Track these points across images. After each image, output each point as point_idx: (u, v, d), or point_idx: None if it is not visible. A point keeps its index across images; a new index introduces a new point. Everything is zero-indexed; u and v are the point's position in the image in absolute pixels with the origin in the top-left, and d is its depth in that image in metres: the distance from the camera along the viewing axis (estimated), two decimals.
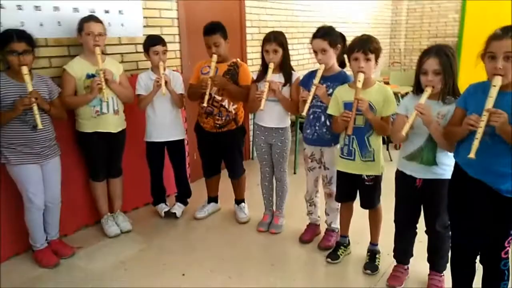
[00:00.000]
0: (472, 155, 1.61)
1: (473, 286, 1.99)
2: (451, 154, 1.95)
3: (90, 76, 2.62)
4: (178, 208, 3.16)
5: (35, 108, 2.21)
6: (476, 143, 1.61)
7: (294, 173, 4.02)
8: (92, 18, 2.60)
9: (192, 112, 3.35)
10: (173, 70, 3.09)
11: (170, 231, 2.99)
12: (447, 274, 2.16)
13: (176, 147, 3.07)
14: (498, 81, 1.62)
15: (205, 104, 2.75)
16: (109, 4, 2.90)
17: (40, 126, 2.23)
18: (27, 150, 2.34)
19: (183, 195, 3.23)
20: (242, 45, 4.19)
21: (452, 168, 1.94)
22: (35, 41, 2.31)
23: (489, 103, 1.61)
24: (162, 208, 3.16)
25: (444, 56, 1.92)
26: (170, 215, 3.12)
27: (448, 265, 2.12)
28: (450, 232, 2.02)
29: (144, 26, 3.18)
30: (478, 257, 1.92)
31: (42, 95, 2.32)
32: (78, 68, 2.62)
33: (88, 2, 2.78)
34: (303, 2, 5.02)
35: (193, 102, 2.99)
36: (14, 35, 2.22)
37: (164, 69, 2.80)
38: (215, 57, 2.72)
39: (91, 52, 2.59)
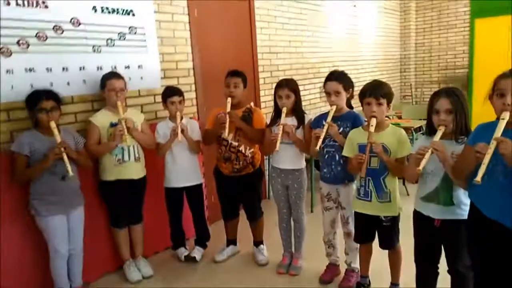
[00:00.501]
0: (478, 178, 1.62)
1: None
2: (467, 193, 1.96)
3: (113, 125, 2.77)
4: (197, 252, 3.20)
5: (65, 157, 2.35)
6: (483, 168, 1.62)
7: (311, 211, 4.04)
8: (114, 75, 2.79)
9: (209, 157, 3.47)
10: (190, 118, 3.24)
11: (191, 275, 3.02)
12: None
13: (194, 191, 3.15)
14: (506, 115, 1.65)
15: (226, 135, 2.85)
16: (129, 60, 3.10)
17: (71, 173, 2.36)
18: (55, 201, 2.47)
19: (202, 239, 3.27)
20: (256, 89, 4.35)
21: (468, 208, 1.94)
22: (61, 98, 2.49)
23: (497, 133, 1.63)
24: (182, 252, 3.21)
25: (454, 96, 1.98)
26: (190, 259, 3.15)
27: None
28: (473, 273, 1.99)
29: (162, 78, 3.37)
30: None
31: (69, 146, 2.46)
32: (102, 118, 2.78)
33: (110, 60, 2.98)
34: (313, 44, 5.21)
35: (209, 146, 3.11)
36: (43, 95, 2.40)
37: (182, 118, 2.94)
38: (229, 99, 2.85)
39: (113, 105, 2.76)
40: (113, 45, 2.99)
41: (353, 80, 2.65)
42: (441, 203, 2.05)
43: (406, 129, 3.52)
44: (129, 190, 2.89)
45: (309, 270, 2.93)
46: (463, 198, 2.01)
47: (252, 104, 3.27)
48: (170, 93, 2.97)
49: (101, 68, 2.92)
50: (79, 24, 2.78)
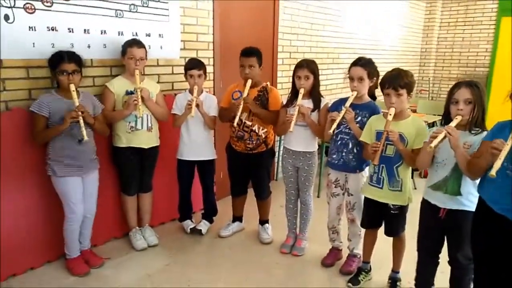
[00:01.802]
0: (493, 172, 1.61)
1: None
2: (475, 185, 1.97)
3: (129, 93, 2.78)
4: (203, 226, 3.24)
5: (81, 121, 2.37)
6: (498, 163, 1.61)
7: (318, 196, 4.05)
8: (135, 43, 2.78)
9: (221, 133, 3.47)
10: (206, 92, 3.23)
11: (195, 248, 3.07)
12: None
13: (206, 166, 3.17)
14: None
15: (235, 125, 2.86)
16: (150, 28, 3.09)
17: (86, 138, 2.38)
18: (72, 163, 2.50)
19: (210, 213, 3.31)
20: (273, 69, 4.32)
21: (477, 200, 1.95)
22: (83, 62, 2.50)
23: None
24: (188, 224, 3.26)
25: (475, 87, 1.98)
26: (195, 231, 3.20)
27: None
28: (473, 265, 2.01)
29: (181, 49, 3.35)
30: None
31: (87, 111, 2.48)
32: (118, 85, 2.79)
33: (132, 26, 2.96)
34: (333, 29, 5.14)
35: (224, 123, 3.11)
36: (66, 56, 2.41)
37: (201, 92, 2.95)
38: (249, 81, 2.83)
39: (131, 73, 2.76)
40: (136, 11, 2.97)
41: None
42: (448, 192, 2.06)
43: (428, 124, 3.48)
44: (140, 158, 2.92)
45: (312, 253, 2.97)
46: (472, 189, 2.02)
47: (268, 83, 3.25)
48: (190, 65, 2.96)
49: (122, 34, 2.91)
50: None
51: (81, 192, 2.58)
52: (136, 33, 2.99)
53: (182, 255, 2.94)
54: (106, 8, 2.80)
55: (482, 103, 1.99)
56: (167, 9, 3.18)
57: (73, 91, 2.37)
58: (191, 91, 2.94)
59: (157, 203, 3.20)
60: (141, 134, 2.86)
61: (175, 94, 3.15)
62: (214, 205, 3.32)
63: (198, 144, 3.06)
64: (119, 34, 2.89)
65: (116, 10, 2.86)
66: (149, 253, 2.97)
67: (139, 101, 2.70)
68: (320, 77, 2.85)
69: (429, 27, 7.56)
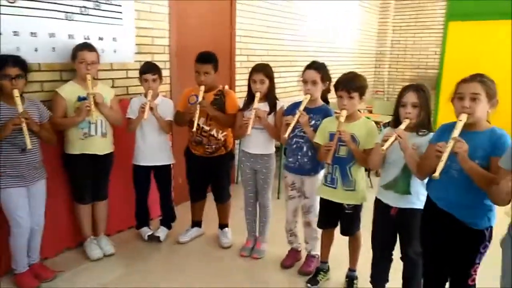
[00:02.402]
0: (436, 174, 1.71)
1: None
2: (425, 185, 2.07)
3: (81, 99, 2.68)
4: (161, 232, 3.19)
5: (25, 128, 2.25)
6: (441, 164, 1.71)
7: (278, 198, 4.09)
8: (86, 47, 2.69)
9: (178, 137, 3.43)
10: (163, 96, 3.18)
11: (153, 255, 3.01)
12: None
13: (162, 171, 3.12)
14: (464, 117, 1.77)
15: (194, 129, 2.84)
16: (103, 31, 3.00)
17: (29, 146, 2.26)
18: (15, 173, 2.37)
19: (168, 219, 3.26)
20: (231, 72, 4.33)
21: (425, 198, 2.05)
22: (28, 66, 2.39)
23: (455, 133, 1.75)
24: (146, 231, 3.19)
25: (421, 91, 2.09)
26: (153, 238, 3.14)
27: None
28: None
29: (136, 53, 3.28)
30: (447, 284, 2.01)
31: (33, 118, 2.37)
32: (70, 91, 2.69)
33: (83, 29, 2.87)
34: (290, 32, 5.22)
35: (181, 127, 3.07)
36: (9, 60, 2.29)
37: (156, 96, 2.92)
38: (203, 87, 2.82)
39: (83, 78, 2.67)
40: (88, 14, 2.88)
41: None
42: (399, 191, 2.15)
43: (375, 123, 3.59)
44: (94, 165, 2.82)
45: (272, 255, 2.99)
46: (420, 188, 2.11)
47: (226, 86, 3.25)
48: (144, 69, 2.92)
49: (73, 37, 2.81)
50: None
51: (27, 204, 2.45)
52: (88, 36, 2.90)
53: (140, 264, 2.87)
54: (55, 11, 2.69)
55: (428, 106, 2.10)
56: (121, 12, 3.11)
57: (17, 96, 2.26)
58: (146, 95, 2.89)
59: (113, 210, 3.11)
60: (95, 141, 2.77)
61: (131, 99, 3.08)
62: (172, 211, 3.27)
63: (154, 149, 3.01)
64: (69, 38, 2.79)
65: (66, 12, 2.76)
66: (105, 263, 2.88)
67: (91, 107, 2.61)
68: (278, 80, 2.89)
69: (383, 30, 7.85)
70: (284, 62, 5.15)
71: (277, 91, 2.89)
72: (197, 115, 2.79)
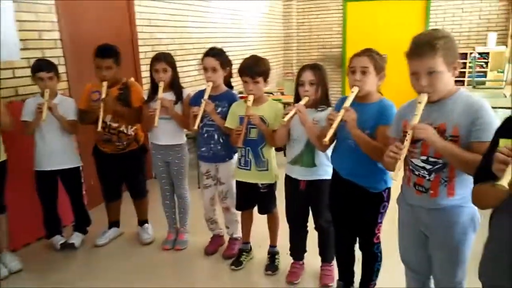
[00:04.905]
0: (326, 139, 1.84)
1: (355, 269, 2.27)
2: (328, 157, 2.19)
3: None
4: (76, 238, 3.00)
5: None
6: (331, 131, 1.85)
7: (199, 187, 4.06)
8: None
9: (85, 137, 3.22)
10: (61, 94, 2.96)
11: (68, 264, 2.83)
12: (336, 263, 2.37)
13: (70, 175, 2.93)
14: (355, 89, 1.90)
15: (99, 129, 2.69)
16: None
17: None
18: None
19: (81, 224, 3.08)
20: (136, 63, 4.15)
21: (331, 170, 2.18)
22: None
23: (347, 103, 1.87)
24: (58, 240, 2.98)
25: (317, 69, 2.18)
26: (67, 246, 2.95)
27: None
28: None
29: (22, 49, 2.99)
30: (357, 245, 2.18)
31: None
32: None
33: None
34: (196, 19, 5.14)
35: (86, 126, 2.89)
36: None
37: (55, 95, 2.73)
38: (105, 83, 2.67)
39: None
40: None
41: (238, 57, 2.68)
42: (304, 165, 2.26)
43: (287, 104, 3.71)
44: None
45: (195, 244, 2.98)
46: (324, 160, 2.24)
47: (132, 78, 3.11)
48: (37, 67, 2.69)
49: None
50: None
51: None
52: None
53: (53, 275, 2.68)
54: None
55: (325, 83, 2.21)
56: None
57: None
58: (42, 95, 2.67)
59: (17, 223, 2.84)
60: None
61: (23, 100, 2.81)
62: (85, 215, 3.09)
63: (57, 152, 2.80)
64: None
65: None
66: (13, 280, 2.63)
67: None
68: (188, 68, 2.84)
69: (288, 13, 8.07)
70: (192, 50, 5.06)
71: (187, 79, 2.88)
72: (101, 113, 2.65)
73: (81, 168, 3.02)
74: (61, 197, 2.98)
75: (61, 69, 3.29)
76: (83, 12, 3.51)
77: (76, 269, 2.77)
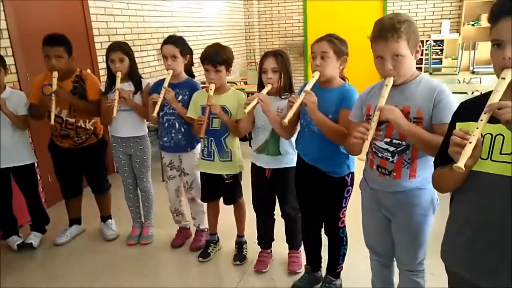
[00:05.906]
0: (285, 120, 1.85)
1: (322, 254, 2.30)
2: (293, 145, 2.20)
3: None
4: (34, 238, 2.87)
5: None
6: (290, 113, 1.85)
7: (163, 180, 3.98)
8: None
9: (39, 132, 3.07)
10: (10, 87, 2.78)
11: (26, 264, 2.70)
12: (303, 250, 2.41)
13: (24, 172, 2.77)
14: (316, 74, 1.89)
15: (52, 123, 2.57)
16: None
17: None
18: None
19: (39, 223, 2.93)
20: (92, 55, 3.98)
21: (295, 158, 2.18)
22: None
23: (308, 86, 1.88)
24: (14, 240, 2.83)
25: (280, 56, 2.15)
26: (25, 246, 2.81)
27: None
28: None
29: None
30: (323, 230, 2.21)
31: None
32: None
33: None
34: (153, 8, 4.98)
35: (40, 121, 2.75)
36: None
37: (4, 88, 2.59)
38: (55, 73, 2.53)
39: None
40: None
41: (199, 47, 2.61)
42: (270, 153, 2.25)
43: (251, 94, 3.69)
44: None
45: (161, 237, 2.92)
46: (289, 148, 2.24)
47: (88, 70, 2.97)
48: None
49: None
50: None
51: None
52: None
53: (11, 277, 2.55)
54: None
55: (288, 70, 2.18)
56: None
57: None
58: None
59: None
60: None
61: None
62: (43, 213, 2.95)
63: (8, 149, 2.64)
64: None
65: None
66: None
67: None
68: (147, 58, 2.74)
69: (249, 2, 8.00)
70: (151, 39, 4.92)
71: (147, 70, 2.77)
72: (53, 106, 2.52)
73: (36, 164, 2.88)
74: (16, 195, 2.82)
75: (9, 61, 3.11)
76: (31, 2, 3.30)
77: (35, 270, 2.65)
